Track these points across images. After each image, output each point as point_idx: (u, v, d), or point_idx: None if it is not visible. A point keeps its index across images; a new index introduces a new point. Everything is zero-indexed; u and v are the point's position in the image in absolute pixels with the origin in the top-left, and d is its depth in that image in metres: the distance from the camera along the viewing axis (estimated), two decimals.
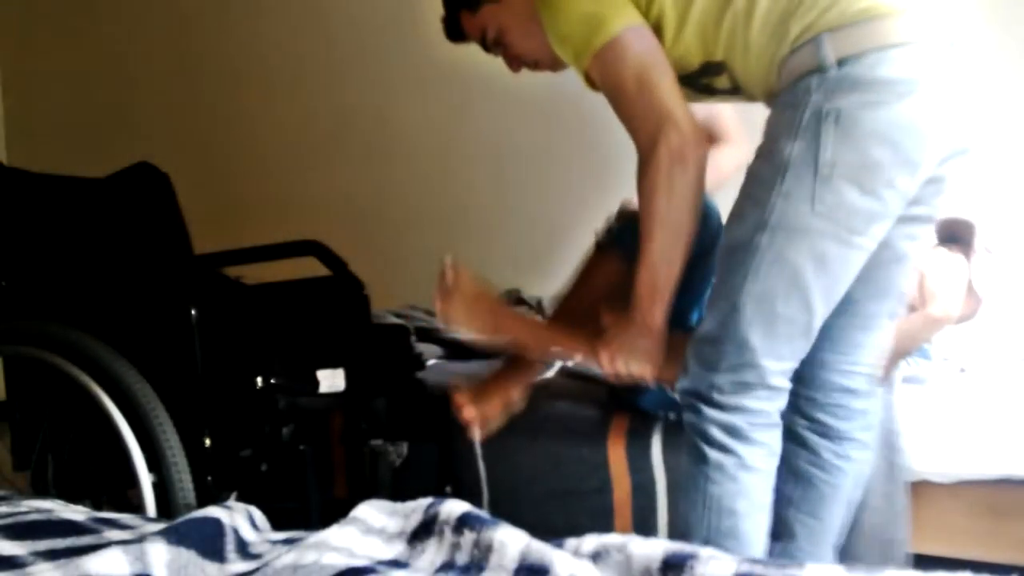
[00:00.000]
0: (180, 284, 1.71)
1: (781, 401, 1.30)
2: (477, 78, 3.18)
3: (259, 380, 1.68)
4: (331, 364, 1.73)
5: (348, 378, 1.74)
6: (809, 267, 1.23)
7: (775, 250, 1.24)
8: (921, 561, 1.59)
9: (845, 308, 1.33)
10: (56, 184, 1.88)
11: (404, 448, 1.77)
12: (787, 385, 1.30)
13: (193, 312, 1.63)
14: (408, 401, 1.85)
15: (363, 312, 1.76)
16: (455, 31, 1.59)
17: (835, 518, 1.43)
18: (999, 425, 1.61)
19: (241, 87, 3.58)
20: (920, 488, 1.63)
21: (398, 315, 2.53)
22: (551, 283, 3.09)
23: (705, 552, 0.75)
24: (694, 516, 1.31)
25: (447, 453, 1.90)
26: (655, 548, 0.77)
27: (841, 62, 1.21)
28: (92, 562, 0.80)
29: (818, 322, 1.28)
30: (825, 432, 1.41)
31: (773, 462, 1.31)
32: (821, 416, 1.41)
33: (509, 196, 3.22)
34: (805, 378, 1.40)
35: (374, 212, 3.38)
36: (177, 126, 3.64)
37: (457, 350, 2.48)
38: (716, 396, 1.28)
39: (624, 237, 1.62)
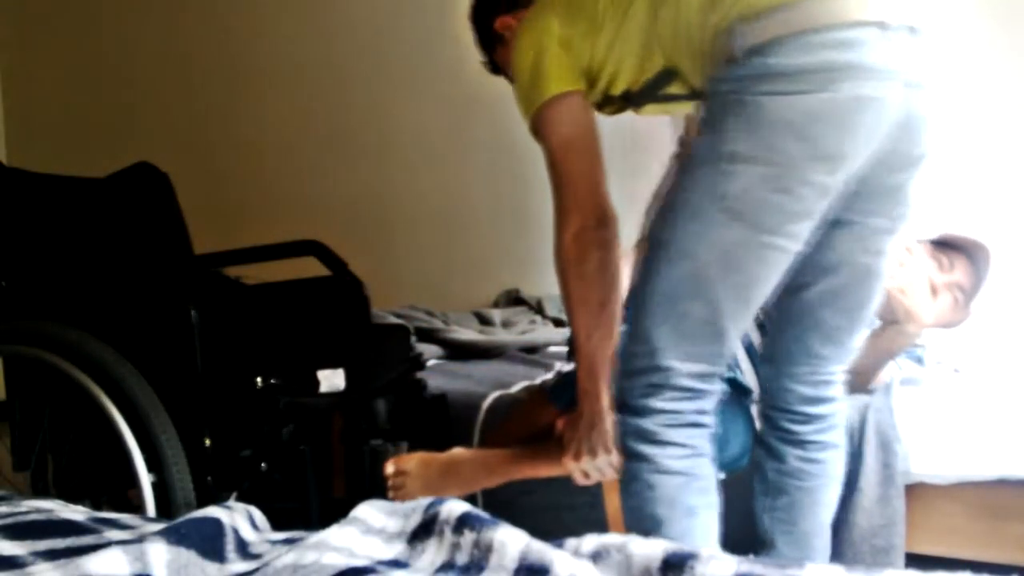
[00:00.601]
0: (180, 284, 1.71)
1: (701, 403, 1.24)
2: (477, 78, 3.18)
3: (259, 380, 1.68)
4: (331, 364, 1.73)
5: (348, 378, 1.74)
6: (715, 266, 1.18)
7: (681, 247, 1.20)
8: (920, 562, 1.59)
9: (806, 321, 1.32)
10: (56, 184, 1.88)
11: (404, 448, 1.77)
12: (704, 387, 1.24)
13: (193, 312, 1.64)
14: (408, 401, 1.85)
15: (363, 312, 1.76)
16: (495, 68, 1.63)
17: (813, 524, 1.41)
18: (995, 426, 1.61)
19: (241, 87, 3.58)
20: (918, 490, 1.63)
21: (398, 315, 2.53)
22: (550, 282, 3.10)
23: (705, 552, 0.75)
24: (628, 529, 1.27)
25: None
26: (655, 548, 0.77)
27: (753, 50, 1.14)
28: (92, 562, 0.80)
29: (731, 323, 1.21)
30: (790, 439, 1.39)
31: (696, 463, 1.24)
32: (785, 423, 1.38)
33: (508, 196, 3.22)
34: (768, 390, 1.41)
35: (374, 212, 3.38)
36: (177, 126, 3.64)
37: (457, 350, 2.48)
38: (629, 400, 1.25)
39: (558, 393, 1.68)
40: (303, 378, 1.73)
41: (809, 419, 1.37)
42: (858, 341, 1.37)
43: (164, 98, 3.68)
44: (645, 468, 1.24)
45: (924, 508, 1.63)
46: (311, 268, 1.77)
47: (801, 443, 1.38)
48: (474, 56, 1.64)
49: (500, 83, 1.63)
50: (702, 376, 1.24)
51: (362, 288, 1.75)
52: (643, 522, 1.24)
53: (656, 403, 1.23)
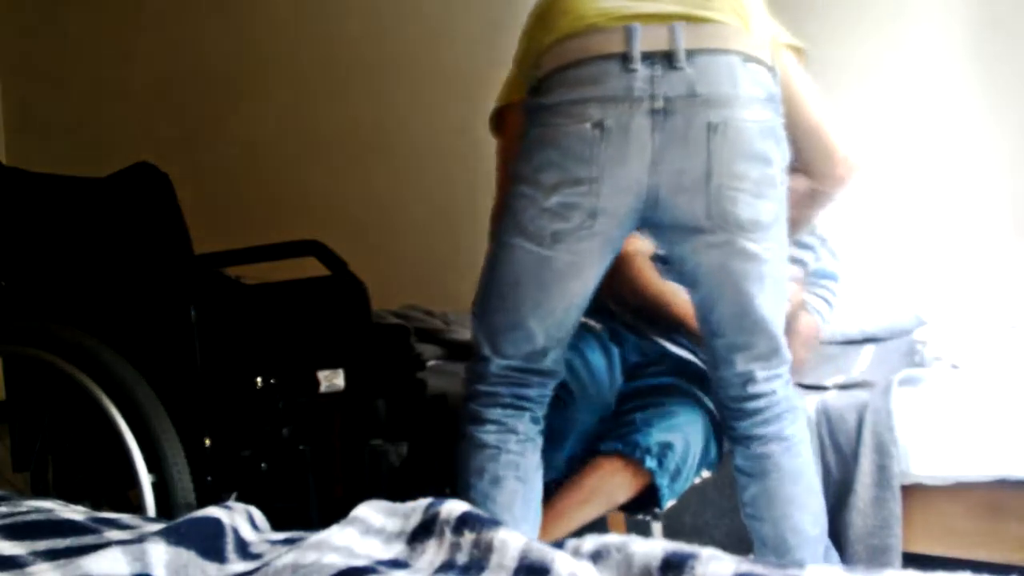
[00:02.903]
0: (180, 284, 1.71)
1: (520, 389, 1.39)
2: (478, 78, 3.18)
3: (259, 380, 1.68)
4: (331, 364, 1.73)
5: (348, 378, 1.74)
6: (512, 273, 1.34)
7: (493, 254, 1.39)
8: (920, 562, 1.59)
9: (705, 329, 1.39)
10: (56, 184, 1.88)
11: (404, 448, 1.77)
12: (522, 376, 1.39)
13: (193, 312, 1.64)
14: (408, 401, 1.84)
15: (363, 312, 1.76)
16: None
17: (777, 517, 1.42)
18: (995, 426, 1.61)
19: (242, 87, 3.57)
20: (918, 490, 1.63)
21: (398, 315, 2.53)
22: None
23: (706, 552, 0.75)
24: (457, 494, 1.42)
25: (447, 454, 1.89)
26: (655, 548, 0.77)
27: (534, 88, 1.31)
28: (92, 562, 0.80)
29: (535, 325, 1.34)
30: (734, 436, 1.44)
31: (506, 438, 1.38)
32: (728, 421, 1.44)
33: None
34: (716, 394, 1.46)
35: (373, 212, 3.38)
36: (177, 126, 3.63)
37: (457, 350, 2.48)
38: (465, 388, 1.44)
39: None
40: (303, 378, 1.72)
41: (744, 414, 1.41)
42: (762, 340, 1.36)
43: (164, 98, 3.68)
44: (465, 445, 1.41)
45: (923, 508, 1.63)
46: (311, 268, 1.77)
47: (744, 439, 1.42)
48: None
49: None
50: (520, 370, 1.39)
51: (362, 288, 1.75)
52: (460, 488, 1.41)
53: (478, 387, 1.41)
